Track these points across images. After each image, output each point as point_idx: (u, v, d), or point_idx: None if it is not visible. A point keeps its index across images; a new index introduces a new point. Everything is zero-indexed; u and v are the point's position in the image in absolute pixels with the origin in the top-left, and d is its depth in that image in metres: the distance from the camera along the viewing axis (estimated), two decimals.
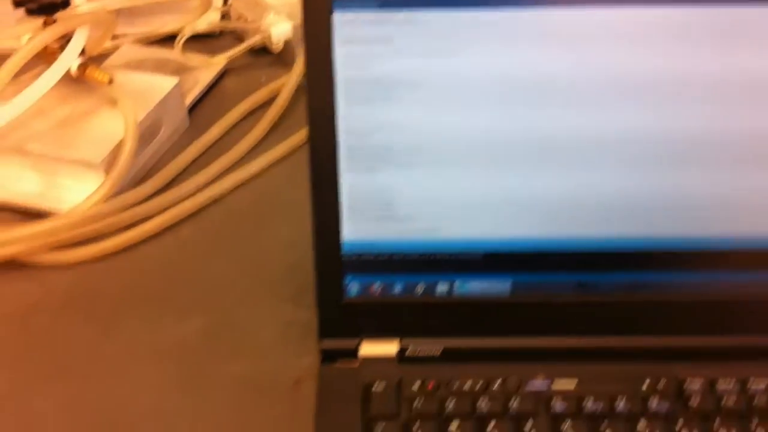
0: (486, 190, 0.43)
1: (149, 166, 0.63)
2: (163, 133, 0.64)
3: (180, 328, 0.52)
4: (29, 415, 0.47)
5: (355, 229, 0.44)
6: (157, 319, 0.52)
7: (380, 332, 0.47)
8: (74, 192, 0.58)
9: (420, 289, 0.46)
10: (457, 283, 0.46)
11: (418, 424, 0.43)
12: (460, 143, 0.42)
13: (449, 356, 0.47)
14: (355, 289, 0.46)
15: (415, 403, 0.45)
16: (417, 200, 0.43)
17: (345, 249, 0.44)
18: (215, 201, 0.60)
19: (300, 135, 0.64)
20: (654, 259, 0.45)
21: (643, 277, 0.46)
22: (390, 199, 0.43)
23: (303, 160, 0.42)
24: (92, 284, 0.55)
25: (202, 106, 0.70)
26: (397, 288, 0.46)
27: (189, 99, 0.68)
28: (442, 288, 0.46)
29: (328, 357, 0.47)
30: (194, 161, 0.63)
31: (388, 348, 0.47)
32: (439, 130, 0.41)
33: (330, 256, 0.44)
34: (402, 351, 0.47)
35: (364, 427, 0.44)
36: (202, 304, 0.53)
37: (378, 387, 0.46)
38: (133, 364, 0.50)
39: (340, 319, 0.46)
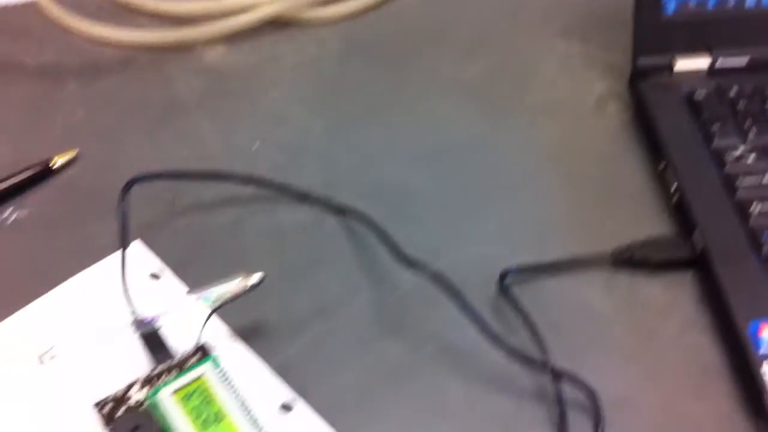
0: None
1: None
2: None
3: (465, 69, 0.54)
4: (348, 147, 0.50)
5: None
6: (439, 62, 0.54)
7: (691, 48, 0.50)
8: None
9: (731, 2, 0.49)
10: None
11: (749, 122, 0.47)
12: None
13: (755, 67, 0.50)
14: (672, 6, 0.49)
15: (739, 106, 0.48)
16: None
17: None
18: None
19: None
20: None
21: None
22: None
23: None
24: (364, 36, 0.57)
25: None
26: (710, 3, 0.49)
27: None
28: (750, 0, 0.49)
29: (639, 75, 0.50)
30: None
31: (699, 62, 0.50)
32: None
33: None
34: (712, 64, 0.50)
35: (699, 129, 0.47)
36: (480, 47, 0.55)
37: (700, 95, 0.49)
38: (431, 100, 0.52)
39: (656, 37, 0.49)
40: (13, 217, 0.46)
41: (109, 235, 0.44)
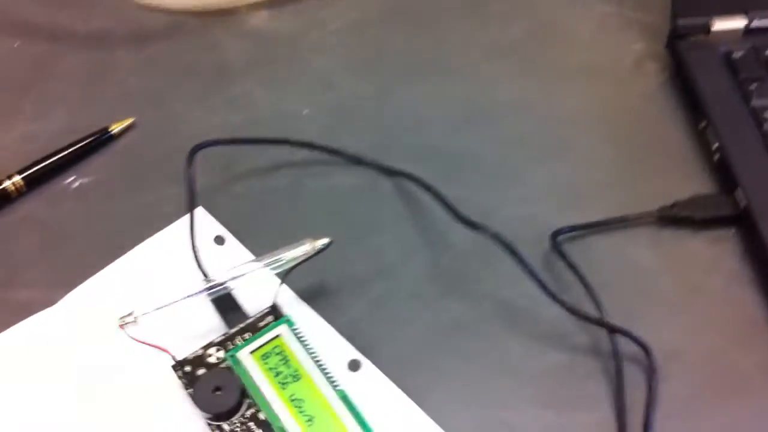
0: None
1: None
2: None
3: (504, 31, 0.55)
4: (395, 111, 0.51)
5: None
6: (479, 25, 0.56)
7: (728, 9, 0.51)
8: None
9: None
10: None
11: None
12: None
13: None
14: None
15: None
16: None
17: None
18: None
19: None
20: None
21: None
22: None
23: None
24: (403, 1, 0.57)
25: None
26: None
27: None
28: None
29: (677, 35, 0.52)
30: None
31: (735, 23, 0.51)
32: None
33: None
34: (748, 24, 0.51)
35: (738, 88, 0.49)
36: (518, 10, 0.56)
37: (737, 55, 0.50)
38: (473, 63, 0.54)
39: None
40: (77, 183, 0.47)
41: (172, 201, 0.46)
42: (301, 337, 0.39)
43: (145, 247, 0.44)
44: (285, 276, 0.40)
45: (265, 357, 0.38)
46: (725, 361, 0.40)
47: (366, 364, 0.40)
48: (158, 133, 0.50)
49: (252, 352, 0.38)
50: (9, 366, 0.40)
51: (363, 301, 0.43)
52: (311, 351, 0.38)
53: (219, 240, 0.45)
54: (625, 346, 0.40)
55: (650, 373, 0.39)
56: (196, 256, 0.42)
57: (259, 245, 0.43)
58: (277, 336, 0.39)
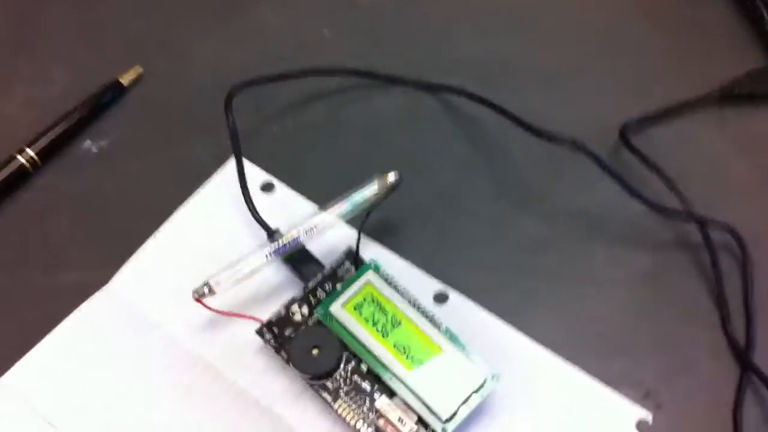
0: None
1: None
2: None
3: None
4: (422, 24, 0.48)
5: None
6: None
7: None
8: None
9: None
10: None
11: None
12: None
13: None
14: None
15: None
16: None
17: None
18: None
19: None
20: None
21: None
22: None
23: None
24: None
25: None
26: None
27: None
28: None
29: None
30: None
31: None
32: None
33: None
34: None
35: None
36: None
37: None
38: None
39: None
40: (96, 147, 0.43)
41: (206, 152, 0.42)
42: (390, 280, 0.36)
43: (190, 206, 0.41)
44: (365, 220, 0.37)
45: (358, 307, 0.36)
46: None
47: (453, 294, 0.38)
48: (171, 79, 0.45)
49: (344, 305, 0.36)
50: (79, 352, 0.36)
51: (432, 231, 0.40)
52: (403, 292, 0.36)
53: (267, 187, 0.41)
54: (713, 235, 0.39)
55: (744, 259, 0.38)
56: (252, 209, 0.39)
57: (309, 187, 0.41)
58: (366, 283, 0.36)
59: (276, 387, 0.36)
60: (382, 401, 0.34)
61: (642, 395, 0.36)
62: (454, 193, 0.41)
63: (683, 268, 0.39)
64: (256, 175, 0.42)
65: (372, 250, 0.39)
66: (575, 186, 0.40)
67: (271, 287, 0.38)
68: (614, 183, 0.38)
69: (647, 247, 0.39)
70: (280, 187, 0.41)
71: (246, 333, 0.36)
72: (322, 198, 0.38)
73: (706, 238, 0.39)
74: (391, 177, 0.38)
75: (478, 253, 0.40)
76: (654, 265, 0.39)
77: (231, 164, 0.41)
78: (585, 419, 0.35)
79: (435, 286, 0.38)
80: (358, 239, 0.37)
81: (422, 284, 0.38)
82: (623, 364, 0.36)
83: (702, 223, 0.39)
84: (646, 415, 0.35)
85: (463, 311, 0.38)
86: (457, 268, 0.39)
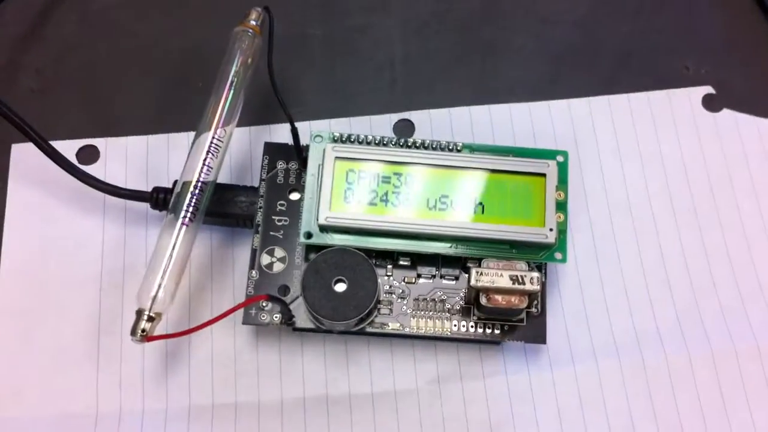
0: None
1: None
2: None
3: None
4: None
5: None
6: None
7: None
8: None
9: None
10: None
11: None
12: None
13: None
14: None
15: None
16: None
17: None
18: None
19: None
20: None
21: None
22: None
23: None
24: None
25: None
26: None
27: None
28: None
29: None
30: None
31: None
32: None
33: None
34: None
35: None
36: None
37: None
38: None
39: None
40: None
41: None
42: (353, 140, 0.25)
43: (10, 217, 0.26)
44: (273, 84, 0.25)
45: (348, 196, 0.24)
46: None
47: (414, 115, 0.27)
48: None
49: (332, 206, 0.24)
50: None
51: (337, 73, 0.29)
52: (379, 142, 0.25)
53: (85, 153, 0.27)
54: None
55: None
56: (108, 187, 0.25)
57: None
58: (334, 161, 0.24)
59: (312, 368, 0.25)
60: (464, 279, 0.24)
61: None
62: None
63: None
64: (61, 147, 0.27)
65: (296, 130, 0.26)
66: None
67: (217, 263, 0.26)
68: None
69: None
70: (106, 143, 0.27)
71: (240, 331, 0.25)
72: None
73: None
74: (254, 16, 0.25)
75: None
76: None
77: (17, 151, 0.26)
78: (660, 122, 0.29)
79: (391, 118, 0.29)
80: (287, 113, 0.24)
81: (377, 125, 0.29)
82: None
83: None
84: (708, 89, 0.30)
85: (442, 119, 0.29)
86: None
